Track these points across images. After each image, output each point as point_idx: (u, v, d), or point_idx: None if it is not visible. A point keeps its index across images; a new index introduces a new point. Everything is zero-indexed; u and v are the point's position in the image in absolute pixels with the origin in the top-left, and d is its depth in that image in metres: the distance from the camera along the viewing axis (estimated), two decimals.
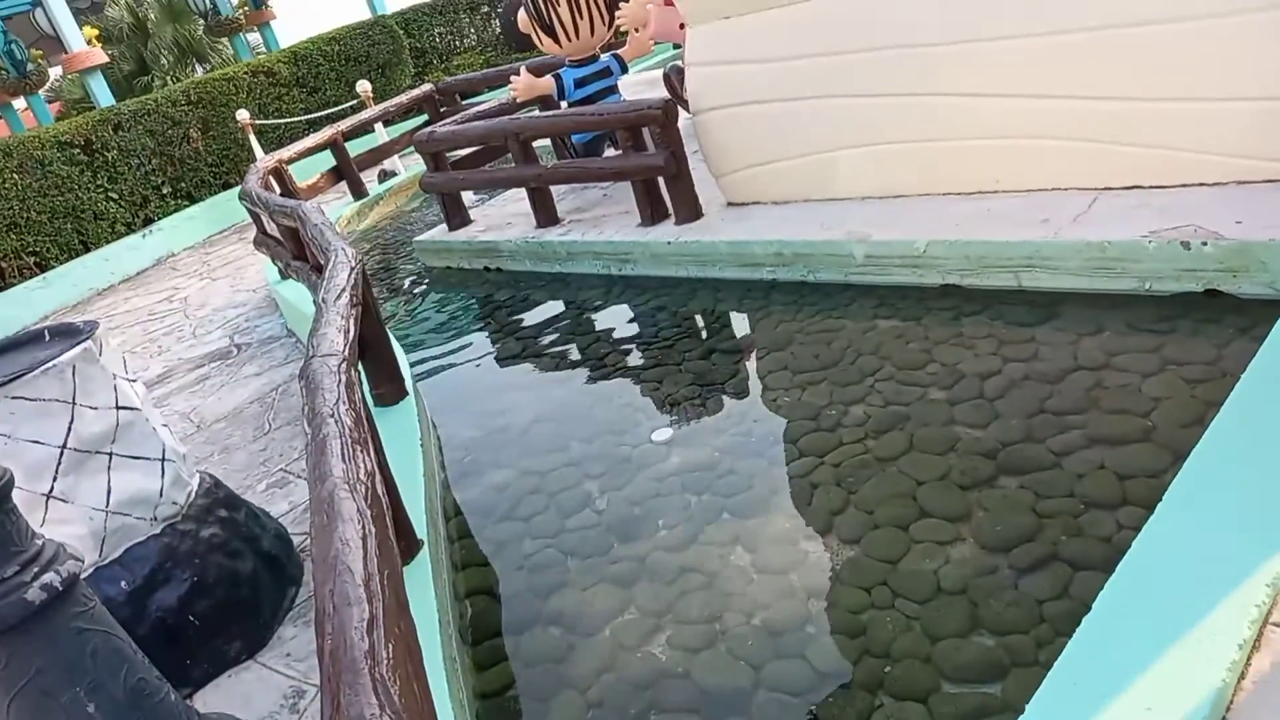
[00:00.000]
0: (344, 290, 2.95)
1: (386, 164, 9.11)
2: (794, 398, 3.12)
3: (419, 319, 5.20)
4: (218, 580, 2.71)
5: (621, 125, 4.55)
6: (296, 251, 4.85)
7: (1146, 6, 3.09)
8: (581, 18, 5.44)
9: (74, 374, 2.60)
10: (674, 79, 5.97)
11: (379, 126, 9.14)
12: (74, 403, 2.61)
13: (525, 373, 4.10)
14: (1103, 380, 2.67)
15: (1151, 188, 3.26)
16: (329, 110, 10.93)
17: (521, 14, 5.63)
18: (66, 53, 12.11)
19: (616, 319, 4.34)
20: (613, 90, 5.72)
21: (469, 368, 4.37)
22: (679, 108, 4.57)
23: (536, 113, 6.24)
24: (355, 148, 8.62)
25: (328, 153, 8.20)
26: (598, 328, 4.32)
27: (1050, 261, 3.16)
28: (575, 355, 4.06)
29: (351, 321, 2.73)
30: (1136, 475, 2.25)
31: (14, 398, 2.52)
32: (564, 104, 5.75)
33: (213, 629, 2.66)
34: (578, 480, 3.02)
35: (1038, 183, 3.53)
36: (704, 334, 3.90)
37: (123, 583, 2.59)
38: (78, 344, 2.64)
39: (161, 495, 2.73)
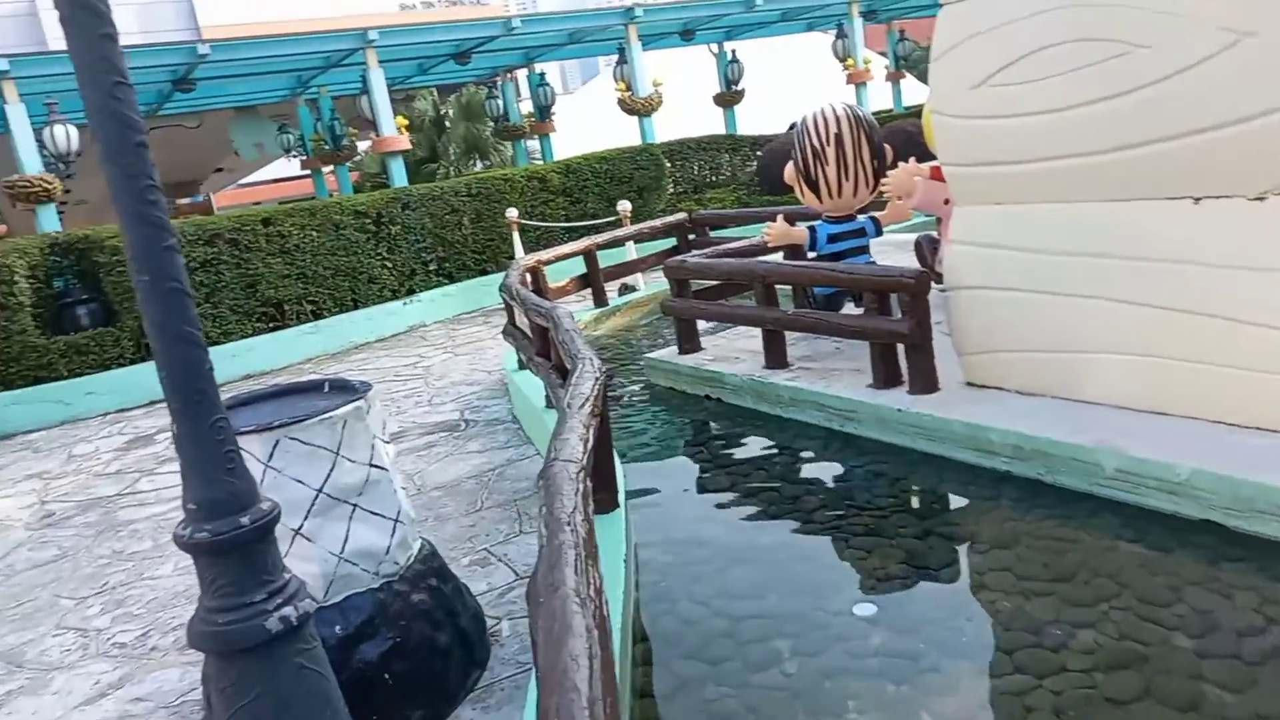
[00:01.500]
0: (588, 400, 3.12)
1: (629, 279, 9.62)
2: (1015, 604, 2.92)
3: (636, 433, 5.35)
4: (418, 646, 2.84)
5: (873, 289, 4.59)
6: (540, 349, 5.17)
7: None
8: (848, 179, 5.59)
9: (344, 427, 2.88)
10: (925, 248, 5.98)
11: (630, 244, 9.71)
12: (338, 453, 2.87)
13: (730, 509, 4.10)
14: None
15: None
16: (588, 222, 11.75)
17: (789, 167, 5.86)
18: (377, 135, 13.86)
19: (831, 475, 4.29)
20: (864, 250, 5.79)
21: (676, 491, 4.43)
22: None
23: (782, 258, 6.42)
24: (604, 258, 9.18)
25: (579, 259, 8.79)
26: (810, 480, 4.28)
27: None
28: (783, 503, 4.02)
29: (591, 431, 2.87)
30: None
31: (291, 438, 2.82)
32: (811, 254, 5.88)
33: (403, 692, 2.77)
34: (770, 635, 2.96)
35: None
36: (921, 512, 3.76)
37: (337, 628, 2.77)
38: (352, 402, 2.94)
39: (387, 553, 2.93)
